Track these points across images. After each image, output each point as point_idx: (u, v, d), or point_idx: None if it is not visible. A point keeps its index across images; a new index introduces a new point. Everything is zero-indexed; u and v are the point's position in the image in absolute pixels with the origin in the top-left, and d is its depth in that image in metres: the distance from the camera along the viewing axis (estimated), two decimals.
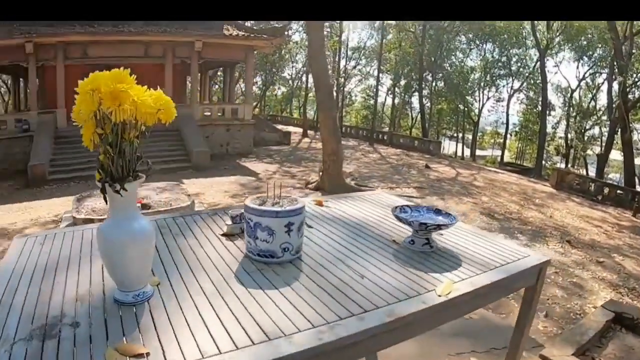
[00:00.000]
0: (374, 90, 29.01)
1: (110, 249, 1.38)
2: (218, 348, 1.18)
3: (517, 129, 38.42)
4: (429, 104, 35.85)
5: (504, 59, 34.34)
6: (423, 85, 33.71)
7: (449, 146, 40.09)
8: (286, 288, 1.54)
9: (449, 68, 34.60)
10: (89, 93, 1.26)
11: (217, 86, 35.14)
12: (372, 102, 32.33)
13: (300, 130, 27.55)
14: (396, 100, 38.31)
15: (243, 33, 18.88)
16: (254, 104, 38.52)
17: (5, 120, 16.37)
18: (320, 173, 12.10)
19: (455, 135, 40.90)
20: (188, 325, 1.29)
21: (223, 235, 2.10)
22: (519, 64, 34.39)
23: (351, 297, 1.48)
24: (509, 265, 1.83)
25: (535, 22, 28.57)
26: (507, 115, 35.31)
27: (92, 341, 1.21)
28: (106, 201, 1.39)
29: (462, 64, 35.86)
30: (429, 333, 3.26)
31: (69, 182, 12.68)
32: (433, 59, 32.35)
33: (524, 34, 32.10)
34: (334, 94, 23.21)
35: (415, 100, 36.89)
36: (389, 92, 39.01)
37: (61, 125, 15.99)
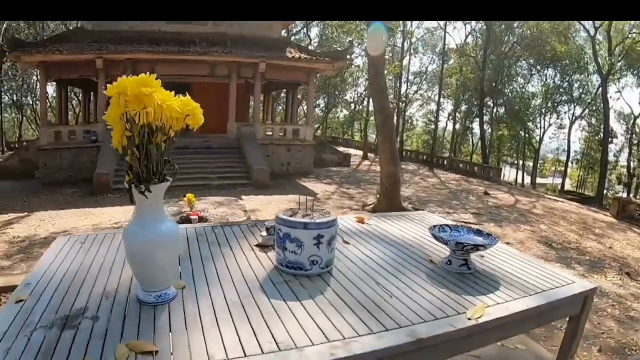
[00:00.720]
0: (435, 115, 28.82)
1: (135, 249, 1.39)
2: (226, 354, 1.14)
3: (578, 156, 36.95)
4: (490, 130, 35.08)
5: (565, 85, 33.14)
6: (484, 111, 33.03)
7: (509, 173, 38.90)
8: (309, 301, 1.49)
9: (510, 94, 33.78)
10: (115, 96, 1.28)
11: (280, 107, 35.74)
12: (433, 127, 32.00)
13: (360, 153, 27.53)
14: (457, 126, 37.70)
15: (305, 56, 19.16)
16: (316, 126, 38.98)
17: (75, 130, 17.37)
18: (378, 196, 11.99)
19: (516, 162, 39.76)
20: (203, 330, 1.27)
21: (257, 246, 2.08)
22: (580, 91, 33.08)
23: (375, 315, 1.40)
24: (550, 291, 1.68)
25: (597, 47, 27.55)
26: (569, 142, 33.88)
27: (107, 336, 1.21)
28: (132, 202, 1.40)
29: (524, 90, 34.89)
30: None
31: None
32: (494, 84, 31.70)
33: (586, 59, 30.98)
34: (394, 118, 23.12)
35: (476, 126, 36.16)
36: (450, 117, 38.49)
37: None
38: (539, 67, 33.65)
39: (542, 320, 1.75)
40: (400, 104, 28.92)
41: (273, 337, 1.23)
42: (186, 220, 6.56)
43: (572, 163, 36.95)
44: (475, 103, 32.95)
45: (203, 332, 1.25)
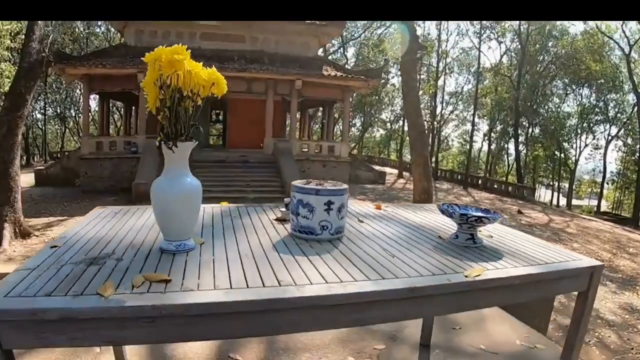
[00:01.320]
0: (470, 134, 28.82)
1: (161, 200, 1.55)
2: (231, 285, 1.27)
3: (614, 177, 36.02)
4: (525, 150, 34.62)
5: (601, 104, 32.60)
6: (519, 131, 32.66)
7: (545, 194, 38.22)
8: (315, 257, 1.60)
9: (545, 113, 33.38)
10: (151, 62, 1.44)
11: (317, 126, 36.13)
12: (468, 147, 31.91)
13: (395, 171, 27.72)
14: (492, 146, 37.38)
15: (341, 73, 19.53)
16: (353, 144, 39.26)
17: (115, 141, 18.03)
18: None
19: (551, 183, 39.02)
20: (214, 270, 1.40)
21: (276, 219, 2.21)
22: (616, 110, 32.48)
23: (375, 268, 1.49)
24: (554, 264, 1.71)
25: (632, 65, 27.02)
26: (605, 163, 33.11)
27: (128, 270, 1.36)
28: (161, 159, 1.56)
29: (559, 109, 34.52)
30: (483, 356, 3.14)
31: None
32: (529, 104, 31.37)
33: (621, 78, 30.40)
34: (429, 135, 23.10)
35: (511, 146, 35.79)
36: (485, 137, 38.22)
37: None
38: (574, 86, 33.25)
39: (543, 289, 1.76)
40: (435, 123, 28.95)
41: (276, 278, 1.35)
42: None
43: (608, 184, 36.07)
44: (510, 122, 32.62)
45: (214, 271, 1.38)
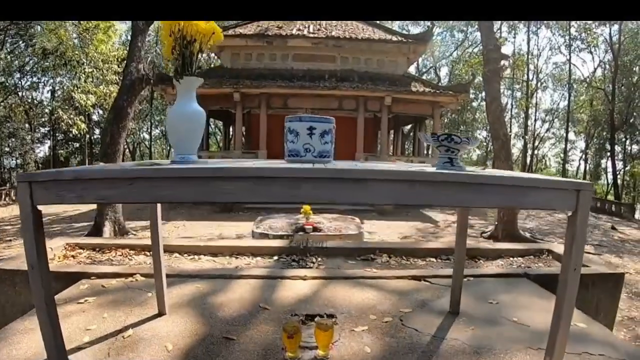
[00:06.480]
0: (563, 150, 27.97)
1: (173, 122, 2.10)
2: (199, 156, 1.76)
3: None
4: (623, 167, 32.48)
5: None
6: (615, 146, 30.65)
7: None
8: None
9: None
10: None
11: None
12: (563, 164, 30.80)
13: None
14: (589, 163, 35.58)
15: (429, 89, 20.07)
16: None
17: (214, 156, 19.74)
18: (496, 223, 12.03)
19: None
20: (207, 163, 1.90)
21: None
22: None
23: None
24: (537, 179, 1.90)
25: None
26: None
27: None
28: (174, 89, 2.11)
29: None
30: (513, 327, 3.25)
31: (260, 211, 14.46)
32: (624, 117, 29.35)
33: None
34: (524, 154, 22.31)
35: (609, 163, 33.69)
36: (582, 154, 36.47)
37: None
38: None
39: (529, 198, 1.89)
40: (527, 139, 28.30)
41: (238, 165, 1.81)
42: (300, 229, 7.33)
43: None
44: (607, 137, 30.76)
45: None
